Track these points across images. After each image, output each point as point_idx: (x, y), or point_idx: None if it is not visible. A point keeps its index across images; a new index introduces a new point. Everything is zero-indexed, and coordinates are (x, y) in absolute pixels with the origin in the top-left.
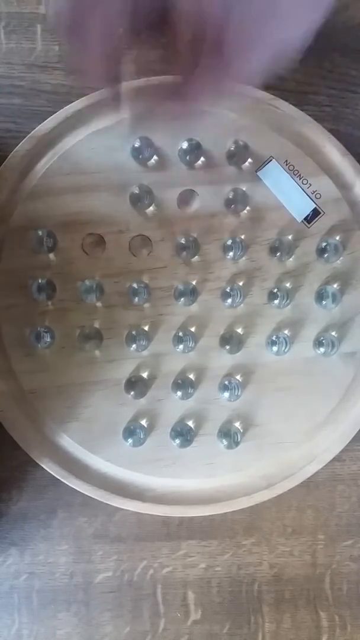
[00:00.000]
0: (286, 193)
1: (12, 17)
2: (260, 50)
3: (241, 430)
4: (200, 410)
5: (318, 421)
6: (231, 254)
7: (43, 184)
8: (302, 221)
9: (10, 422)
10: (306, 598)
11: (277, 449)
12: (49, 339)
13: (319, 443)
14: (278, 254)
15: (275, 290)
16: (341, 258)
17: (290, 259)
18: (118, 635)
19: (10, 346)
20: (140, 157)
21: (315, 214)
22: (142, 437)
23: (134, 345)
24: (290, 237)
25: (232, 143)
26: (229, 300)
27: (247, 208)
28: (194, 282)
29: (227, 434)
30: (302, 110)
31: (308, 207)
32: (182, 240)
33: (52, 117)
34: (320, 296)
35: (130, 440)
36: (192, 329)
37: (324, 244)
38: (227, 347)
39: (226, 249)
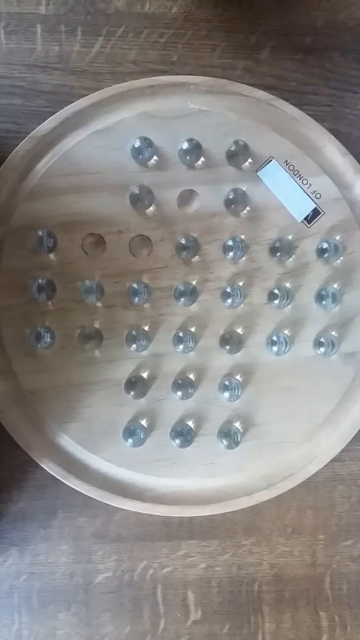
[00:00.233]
0: (286, 193)
1: (12, 18)
2: None
3: (241, 430)
4: (200, 410)
5: (318, 421)
6: (231, 254)
7: (43, 184)
8: (302, 221)
9: (10, 422)
10: (306, 598)
11: (277, 449)
12: (49, 339)
13: (319, 443)
14: (278, 254)
15: (275, 290)
16: (341, 258)
17: (290, 259)
18: (118, 635)
19: (10, 346)
20: (140, 157)
21: (315, 214)
22: (142, 437)
23: (134, 345)
24: (290, 237)
25: (232, 143)
26: (229, 300)
27: (247, 208)
28: (194, 282)
29: (227, 434)
30: (302, 110)
31: (308, 207)
32: (182, 240)
33: (52, 117)
34: (320, 296)
35: (130, 440)
36: (192, 329)
37: (324, 244)
38: (227, 347)
39: (226, 249)
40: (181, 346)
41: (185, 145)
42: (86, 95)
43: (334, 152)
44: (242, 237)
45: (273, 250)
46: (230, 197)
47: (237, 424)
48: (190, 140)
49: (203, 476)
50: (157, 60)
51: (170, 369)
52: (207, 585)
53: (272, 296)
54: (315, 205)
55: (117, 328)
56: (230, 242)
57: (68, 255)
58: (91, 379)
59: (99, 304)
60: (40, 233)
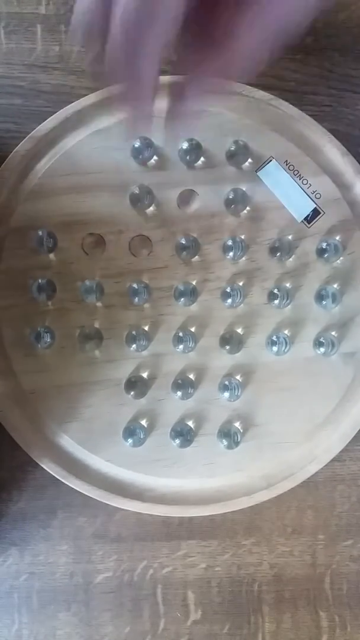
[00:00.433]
0: (286, 193)
1: (12, 17)
2: (261, 27)
3: (241, 430)
4: (200, 410)
5: (318, 421)
6: (231, 254)
7: (43, 184)
8: (302, 221)
9: (10, 422)
10: (306, 598)
11: (277, 449)
12: (49, 339)
13: (319, 443)
14: (278, 254)
15: (275, 290)
16: (341, 258)
17: (290, 259)
18: (118, 635)
19: (10, 346)
20: (140, 157)
21: (315, 214)
22: (142, 437)
23: (134, 345)
24: (290, 237)
25: (232, 143)
26: (229, 300)
27: (247, 208)
28: (194, 282)
29: (227, 434)
30: (302, 110)
31: (308, 207)
32: (182, 240)
33: (52, 117)
34: (320, 296)
35: (130, 440)
36: (192, 329)
37: (324, 244)
38: (227, 347)
39: (226, 249)
40: (181, 346)
41: (185, 145)
42: (86, 95)
43: (334, 152)
44: (242, 237)
45: (273, 250)
46: (230, 197)
47: (237, 424)
48: (190, 140)
49: (203, 476)
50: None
51: (170, 369)
52: (207, 585)
53: (272, 296)
54: (315, 205)
55: (117, 328)
56: (230, 242)
57: (68, 255)
58: (91, 379)
59: (99, 304)
60: (40, 233)
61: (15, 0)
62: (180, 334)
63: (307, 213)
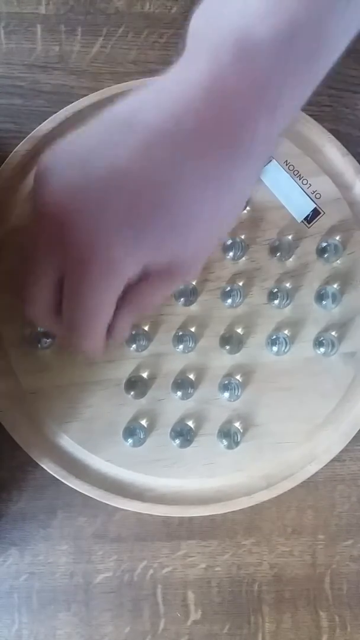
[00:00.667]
0: (286, 193)
1: (12, 17)
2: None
3: (241, 430)
4: (200, 410)
5: (318, 421)
6: (231, 254)
7: None
8: (302, 221)
9: (10, 422)
10: (306, 598)
11: (277, 449)
12: (49, 339)
13: (319, 443)
14: (278, 254)
15: (275, 290)
16: (341, 258)
17: (290, 259)
18: (118, 635)
19: (10, 346)
20: None
21: (315, 214)
22: (142, 437)
23: (134, 345)
24: (290, 237)
25: None
26: (229, 300)
27: (247, 208)
28: (194, 282)
29: (227, 434)
30: (302, 110)
31: (308, 207)
32: None
33: (52, 117)
34: (320, 296)
35: (130, 440)
36: (192, 329)
37: (324, 244)
38: (227, 347)
39: (226, 249)
40: (181, 346)
41: None
42: (86, 95)
43: (334, 152)
44: (242, 237)
45: (273, 250)
46: None
47: (237, 424)
48: None
49: (203, 476)
50: (157, 60)
51: (170, 369)
52: (207, 585)
53: (272, 296)
54: (315, 205)
55: None
56: (230, 242)
57: None
58: (91, 379)
59: None
60: None
61: (15, 0)
62: (180, 334)
63: (307, 213)
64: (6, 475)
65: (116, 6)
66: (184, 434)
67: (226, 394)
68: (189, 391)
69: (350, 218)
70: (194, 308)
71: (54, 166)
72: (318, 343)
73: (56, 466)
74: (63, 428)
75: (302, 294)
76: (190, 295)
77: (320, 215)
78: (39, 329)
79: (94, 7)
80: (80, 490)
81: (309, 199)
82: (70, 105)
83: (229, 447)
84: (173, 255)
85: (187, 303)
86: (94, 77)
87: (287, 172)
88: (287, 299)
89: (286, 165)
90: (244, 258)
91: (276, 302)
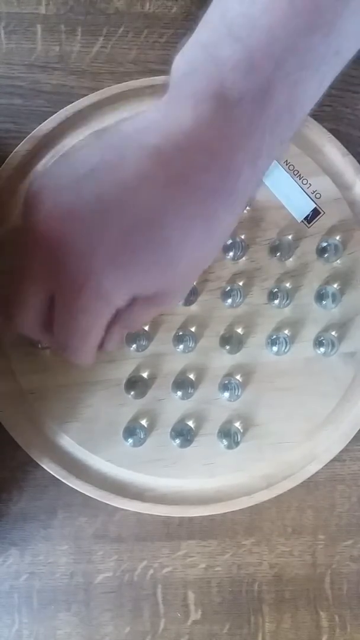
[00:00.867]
0: (286, 193)
1: (12, 17)
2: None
3: (241, 430)
4: (200, 410)
5: (318, 421)
6: (231, 253)
7: None
8: (302, 221)
9: (10, 422)
10: (306, 598)
11: (277, 449)
12: None
13: (319, 443)
14: (278, 254)
15: (275, 290)
16: (341, 258)
17: (290, 259)
18: (118, 635)
19: (10, 346)
20: None
21: (315, 214)
22: (142, 437)
23: (134, 345)
24: (290, 237)
25: None
26: (229, 300)
27: (247, 208)
28: (194, 283)
29: (227, 434)
30: None
31: (308, 207)
32: None
33: (52, 117)
34: (320, 296)
35: (130, 440)
36: (192, 329)
37: (324, 244)
38: (227, 347)
39: (226, 248)
40: (181, 346)
41: None
42: (86, 95)
43: (334, 152)
44: (242, 236)
45: (273, 250)
46: None
47: (237, 424)
48: None
49: (203, 476)
50: (157, 60)
51: (170, 369)
52: (207, 585)
53: (272, 296)
54: (315, 205)
55: None
56: (230, 242)
57: None
58: (91, 379)
59: None
60: None
61: (15, 0)
62: (180, 334)
63: (307, 213)
64: (6, 475)
65: (116, 6)
66: (184, 434)
67: (226, 394)
68: (189, 391)
69: (350, 218)
70: (194, 308)
71: (48, 187)
72: (318, 343)
73: (56, 466)
74: (63, 428)
75: (302, 293)
76: (191, 295)
77: (320, 215)
78: None
79: (94, 7)
80: (80, 490)
81: (309, 198)
82: (70, 105)
83: (229, 447)
84: (160, 287)
85: (187, 303)
86: (94, 77)
87: (287, 172)
88: (287, 299)
89: (286, 165)
90: (244, 258)
91: (276, 302)
